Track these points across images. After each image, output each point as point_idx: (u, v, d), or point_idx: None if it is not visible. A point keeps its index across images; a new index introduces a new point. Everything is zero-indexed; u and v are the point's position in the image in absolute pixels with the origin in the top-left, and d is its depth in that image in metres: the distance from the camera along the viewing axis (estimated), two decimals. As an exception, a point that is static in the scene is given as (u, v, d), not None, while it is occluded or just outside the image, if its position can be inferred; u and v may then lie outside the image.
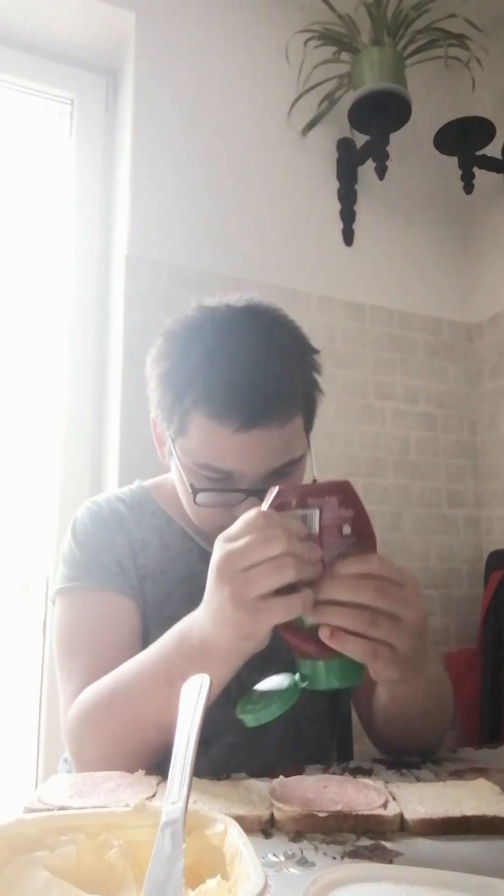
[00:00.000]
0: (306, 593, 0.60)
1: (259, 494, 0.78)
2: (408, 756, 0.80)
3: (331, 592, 0.60)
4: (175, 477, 0.88)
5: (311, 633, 0.61)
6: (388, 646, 0.61)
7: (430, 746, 0.83)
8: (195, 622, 0.69)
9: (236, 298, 0.86)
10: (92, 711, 0.74)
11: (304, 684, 0.63)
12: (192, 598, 0.87)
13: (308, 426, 0.88)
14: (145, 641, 0.86)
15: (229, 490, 0.80)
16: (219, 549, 0.63)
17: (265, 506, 0.64)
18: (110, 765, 0.70)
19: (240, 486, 0.80)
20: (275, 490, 0.64)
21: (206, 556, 0.89)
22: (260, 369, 0.79)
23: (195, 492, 0.81)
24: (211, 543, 0.89)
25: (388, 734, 0.84)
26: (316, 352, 0.90)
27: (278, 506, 0.63)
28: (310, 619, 0.61)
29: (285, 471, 0.82)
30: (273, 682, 0.65)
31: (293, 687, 0.62)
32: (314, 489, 0.64)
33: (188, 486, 0.82)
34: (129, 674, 0.73)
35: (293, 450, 0.83)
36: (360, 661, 0.61)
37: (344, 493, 0.64)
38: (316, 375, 0.89)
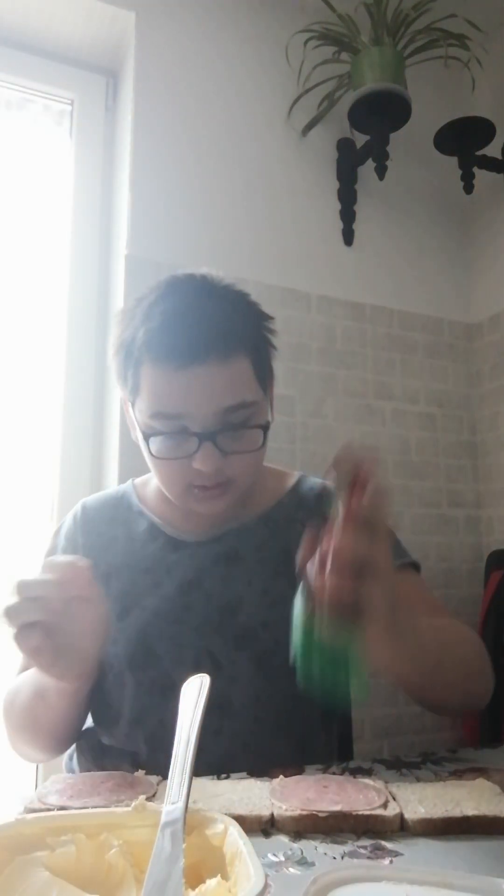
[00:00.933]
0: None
1: (212, 437, 0.80)
2: (460, 713, 0.80)
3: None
4: (143, 450, 0.89)
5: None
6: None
7: (477, 698, 0.84)
8: None
9: (184, 271, 0.90)
10: (4, 705, 0.90)
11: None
12: (154, 588, 0.90)
13: (261, 375, 0.88)
14: (108, 636, 0.88)
15: (181, 432, 0.81)
16: None
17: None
18: (21, 744, 0.89)
19: (192, 430, 0.81)
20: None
21: (171, 544, 0.92)
22: (196, 310, 0.83)
23: (147, 437, 0.83)
24: (181, 521, 0.93)
25: (419, 699, 0.84)
26: (268, 316, 0.92)
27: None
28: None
29: (238, 416, 0.83)
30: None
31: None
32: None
33: (143, 437, 0.84)
34: (22, 681, 0.86)
35: (242, 392, 0.83)
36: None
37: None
38: (266, 332, 0.91)
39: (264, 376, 0.90)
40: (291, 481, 1.02)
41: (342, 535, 0.60)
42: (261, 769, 0.70)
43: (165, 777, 0.50)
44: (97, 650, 0.74)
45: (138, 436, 0.88)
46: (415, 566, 0.98)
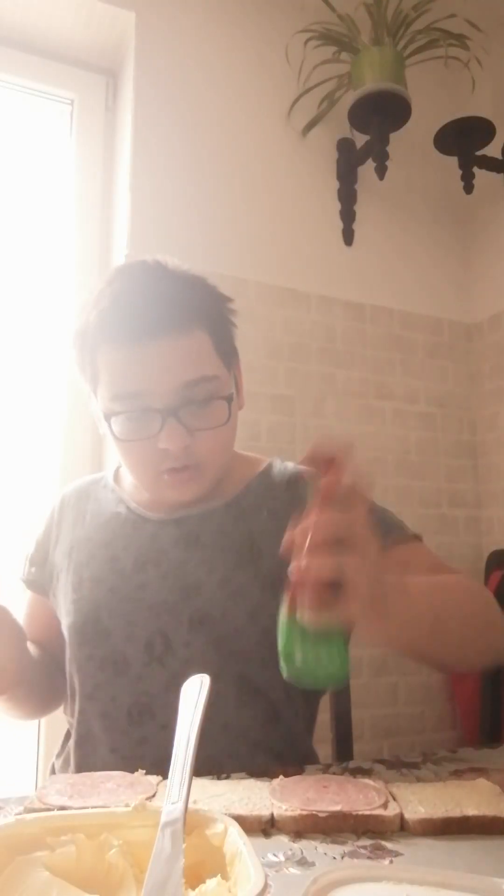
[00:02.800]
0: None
1: (174, 414, 0.79)
2: (482, 667, 0.79)
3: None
4: (109, 440, 0.89)
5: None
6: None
7: (494, 653, 0.81)
8: None
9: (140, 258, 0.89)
10: None
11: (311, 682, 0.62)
12: (113, 560, 0.90)
13: (221, 351, 0.86)
14: (66, 605, 0.91)
15: (143, 410, 0.80)
16: None
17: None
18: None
19: (154, 407, 0.79)
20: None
21: (133, 520, 0.92)
22: (149, 287, 0.81)
23: (107, 418, 0.82)
24: (155, 496, 0.91)
25: (423, 660, 0.83)
26: (229, 299, 0.90)
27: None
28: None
29: (200, 391, 0.81)
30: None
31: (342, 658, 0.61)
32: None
33: (105, 419, 0.83)
34: None
35: (202, 366, 0.82)
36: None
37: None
38: (226, 312, 0.89)
39: (227, 352, 0.88)
40: (261, 467, 0.99)
41: (316, 512, 0.60)
42: (228, 745, 0.71)
43: (165, 777, 0.50)
44: (10, 664, 0.77)
45: (101, 421, 0.87)
46: (417, 538, 0.96)
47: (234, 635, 0.84)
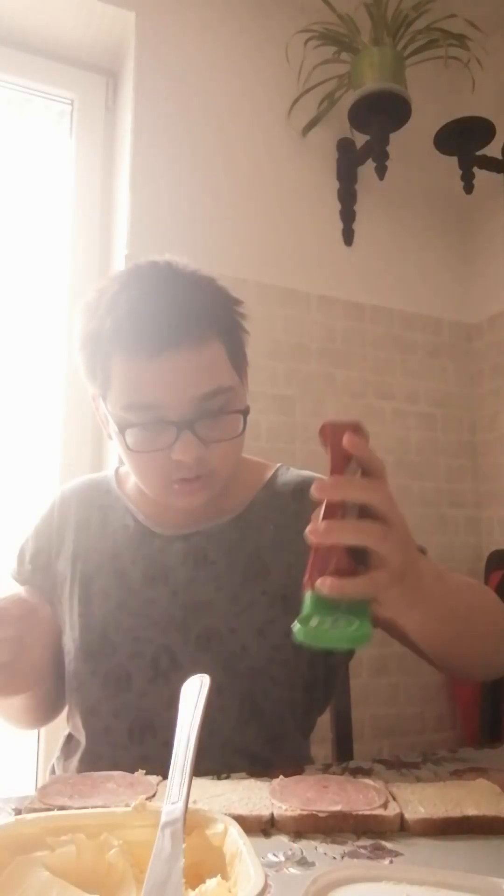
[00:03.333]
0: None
1: (190, 427, 0.78)
2: (487, 677, 0.80)
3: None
4: (118, 446, 0.87)
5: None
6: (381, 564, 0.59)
7: (501, 662, 0.82)
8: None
9: (148, 258, 0.87)
10: None
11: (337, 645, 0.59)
12: (121, 574, 0.88)
13: (234, 361, 0.85)
14: (71, 617, 0.89)
15: (158, 422, 0.78)
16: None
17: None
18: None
19: (170, 420, 0.78)
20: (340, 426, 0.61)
21: (142, 534, 0.90)
22: (164, 295, 0.79)
23: (122, 429, 0.80)
24: (157, 513, 0.91)
25: (442, 662, 0.82)
26: (239, 301, 0.88)
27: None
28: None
29: (215, 402, 0.80)
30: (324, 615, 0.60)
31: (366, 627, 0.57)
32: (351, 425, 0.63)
33: (118, 430, 0.81)
34: None
35: (218, 377, 0.80)
36: (374, 589, 0.58)
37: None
38: (238, 317, 0.87)
39: (238, 361, 0.87)
40: (267, 475, 0.97)
41: (329, 478, 0.58)
42: (226, 760, 0.71)
43: (165, 777, 0.50)
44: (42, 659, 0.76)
45: (112, 430, 0.85)
46: (421, 551, 0.96)
47: (241, 653, 0.83)
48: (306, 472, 1.00)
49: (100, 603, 0.87)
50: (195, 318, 0.79)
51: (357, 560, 0.59)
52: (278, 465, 1.01)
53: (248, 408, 0.84)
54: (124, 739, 0.83)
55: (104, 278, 0.87)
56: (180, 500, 0.84)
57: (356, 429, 0.61)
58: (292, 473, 0.99)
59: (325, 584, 0.56)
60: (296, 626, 0.58)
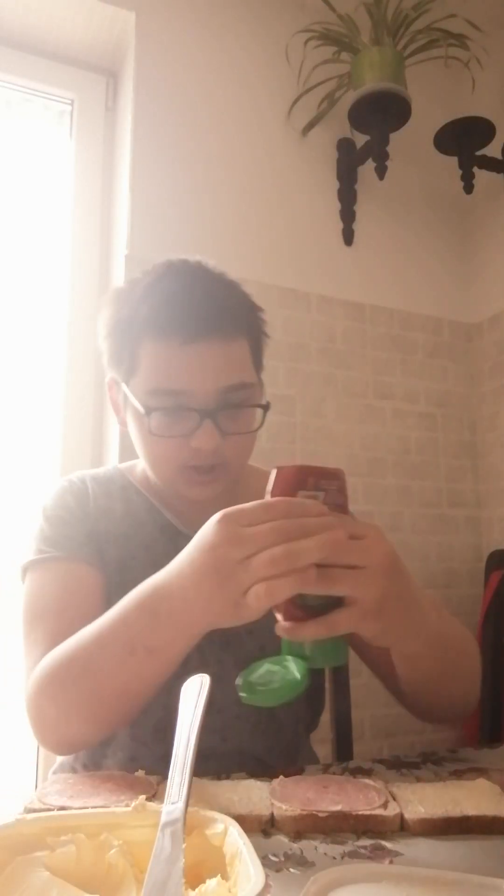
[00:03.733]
0: (308, 571, 0.56)
1: (212, 416, 0.80)
2: (442, 717, 0.80)
3: (295, 555, 0.57)
4: (133, 430, 0.87)
5: (307, 610, 0.59)
6: (352, 601, 0.59)
7: (464, 703, 0.83)
8: (163, 593, 0.66)
9: (177, 256, 0.90)
10: (50, 677, 0.73)
11: (307, 664, 0.60)
12: (155, 565, 0.86)
13: (256, 359, 0.89)
14: (108, 608, 0.86)
15: (183, 408, 0.80)
16: (224, 529, 0.60)
17: (281, 479, 0.61)
18: (69, 729, 0.72)
19: (193, 407, 0.80)
20: (290, 469, 0.62)
21: (168, 528, 0.91)
22: (201, 287, 0.83)
23: (148, 412, 0.81)
24: (174, 511, 0.90)
25: (414, 697, 0.82)
26: (260, 309, 0.92)
27: (298, 483, 0.61)
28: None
29: (237, 396, 0.83)
30: (270, 661, 0.63)
31: (302, 667, 0.60)
32: (323, 471, 0.63)
33: (142, 412, 0.81)
34: (87, 640, 0.72)
35: (243, 373, 0.84)
36: (331, 632, 0.59)
37: (341, 480, 0.64)
38: (260, 322, 0.91)
39: (259, 362, 0.90)
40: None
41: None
42: (239, 765, 0.71)
43: (165, 777, 0.50)
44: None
45: (130, 415, 0.86)
46: None
47: (259, 654, 0.82)
48: None
49: None
50: (227, 314, 0.83)
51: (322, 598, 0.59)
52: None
53: (268, 403, 0.88)
54: (147, 736, 0.83)
55: (137, 271, 0.89)
56: (191, 490, 0.85)
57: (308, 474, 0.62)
58: None
59: (285, 630, 0.59)
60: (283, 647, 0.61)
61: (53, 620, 0.82)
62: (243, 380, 0.83)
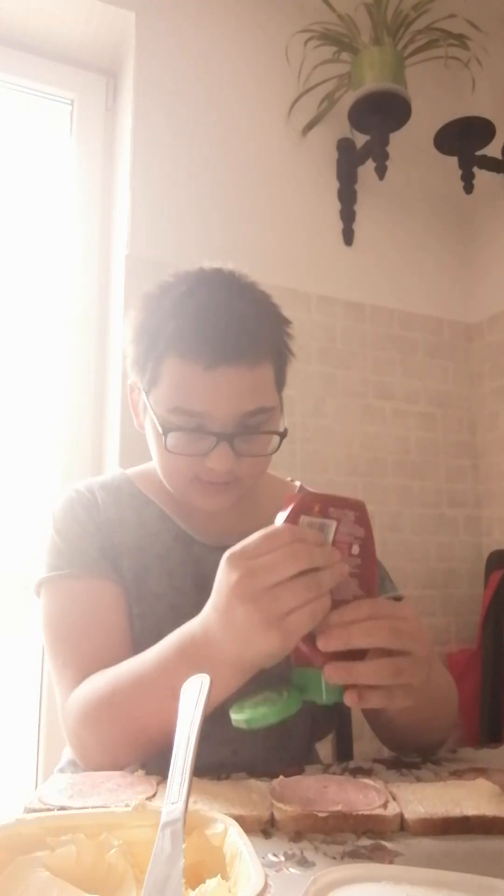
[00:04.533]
0: (326, 598, 0.60)
1: (230, 439, 0.80)
2: (415, 753, 0.80)
3: (347, 640, 0.60)
4: (150, 438, 0.88)
5: (315, 643, 0.60)
6: (406, 685, 0.62)
7: (441, 742, 0.84)
8: (200, 642, 0.66)
9: (210, 263, 0.88)
10: (92, 711, 0.74)
11: (304, 697, 0.62)
12: (170, 575, 0.88)
13: (279, 381, 0.88)
14: (129, 621, 0.87)
15: (200, 431, 0.80)
16: (236, 565, 0.61)
17: (288, 507, 0.63)
18: (114, 760, 0.71)
19: (211, 430, 0.80)
20: (297, 494, 0.63)
21: (182, 537, 0.90)
22: (228, 310, 0.81)
23: (166, 432, 0.81)
24: (187, 519, 0.90)
25: (399, 738, 0.84)
26: (288, 321, 0.90)
27: (301, 508, 0.62)
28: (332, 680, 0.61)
29: (256, 420, 0.83)
30: (271, 686, 0.65)
31: (294, 697, 0.61)
32: (336, 500, 0.63)
33: (159, 430, 0.82)
34: (127, 683, 0.72)
35: (264, 398, 0.83)
36: (382, 706, 0.62)
37: (360, 511, 0.63)
38: (286, 337, 0.90)
39: (281, 382, 0.89)
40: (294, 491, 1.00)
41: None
42: (246, 766, 0.71)
43: (165, 777, 0.50)
44: None
45: (147, 424, 0.87)
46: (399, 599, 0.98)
47: (275, 667, 0.83)
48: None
49: (153, 603, 0.87)
50: (254, 338, 0.81)
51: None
52: (297, 483, 1.02)
53: (286, 430, 0.86)
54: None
55: (169, 275, 0.87)
56: (202, 500, 0.85)
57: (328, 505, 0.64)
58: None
59: (337, 671, 0.60)
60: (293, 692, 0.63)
61: (80, 641, 0.83)
62: (263, 404, 0.83)
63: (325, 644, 0.60)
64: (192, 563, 0.89)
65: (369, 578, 0.64)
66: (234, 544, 0.87)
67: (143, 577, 0.88)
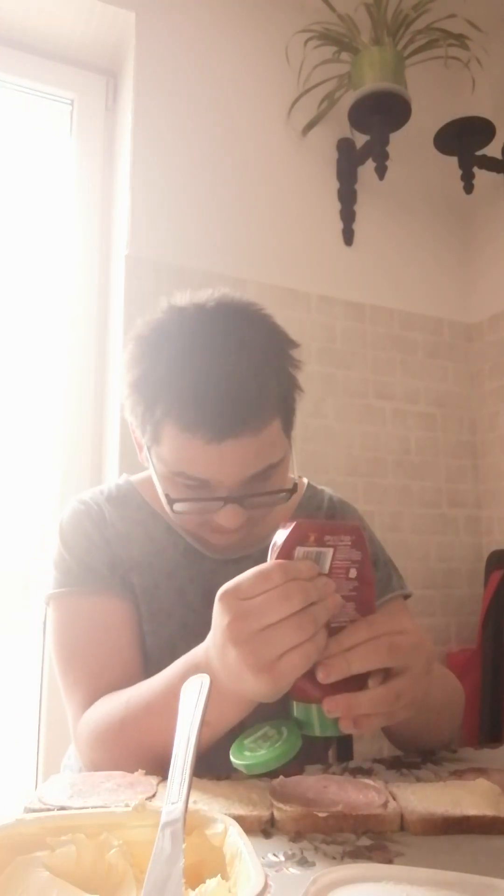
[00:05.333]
0: (320, 636, 0.59)
1: (239, 501, 0.77)
2: (419, 752, 0.80)
3: (346, 669, 0.59)
4: (154, 480, 0.86)
5: (313, 676, 0.60)
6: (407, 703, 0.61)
7: (444, 742, 0.83)
8: (205, 668, 0.65)
9: (207, 297, 0.82)
10: (103, 734, 0.74)
11: (304, 731, 0.62)
12: (180, 592, 0.87)
13: (287, 427, 0.84)
14: (140, 638, 0.86)
15: (207, 499, 0.78)
16: (228, 606, 0.60)
17: (281, 537, 0.62)
18: (135, 760, 0.71)
19: (218, 495, 0.78)
20: (292, 524, 0.62)
21: (191, 551, 0.89)
22: (230, 378, 0.75)
23: (171, 502, 0.79)
24: (196, 539, 0.89)
25: (399, 740, 0.84)
26: (294, 346, 0.85)
27: (296, 540, 0.61)
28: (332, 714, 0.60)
29: (265, 475, 0.80)
30: (270, 720, 0.64)
31: (294, 735, 0.61)
32: (331, 527, 0.62)
33: (162, 496, 0.81)
34: (137, 708, 0.72)
35: (271, 455, 0.80)
36: (383, 726, 0.62)
37: (356, 535, 0.63)
38: (294, 372, 0.85)
39: (290, 427, 0.85)
40: (300, 494, 0.98)
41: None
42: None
43: (165, 777, 0.50)
44: None
45: (149, 467, 0.85)
46: (407, 596, 0.98)
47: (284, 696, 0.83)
48: (328, 491, 1.03)
49: (163, 621, 0.86)
50: (259, 406, 0.76)
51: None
52: (305, 481, 1.01)
53: (295, 485, 0.83)
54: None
55: (162, 311, 0.82)
56: (216, 540, 0.84)
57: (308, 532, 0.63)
58: (322, 493, 1.01)
59: (336, 705, 0.59)
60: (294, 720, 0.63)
61: (89, 660, 0.82)
62: (271, 461, 0.79)
63: (326, 676, 0.59)
64: (201, 578, 0.88)
65: (367, 600, 0.63)
66: (243, 555, 0.86)
67: (152, 594, 0.87)
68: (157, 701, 0.70)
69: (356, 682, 0.60)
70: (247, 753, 0.61)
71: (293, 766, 0.70)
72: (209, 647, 0.65)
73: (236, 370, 0.76)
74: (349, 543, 0.62)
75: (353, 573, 0.62)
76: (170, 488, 0.81)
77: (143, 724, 0.71)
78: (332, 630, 0.61)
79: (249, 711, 0.66)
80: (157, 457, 0.81)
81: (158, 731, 0.68)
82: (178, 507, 0.80)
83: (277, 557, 0.61)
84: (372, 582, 0.64)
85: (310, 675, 0.60)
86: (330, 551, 0.61)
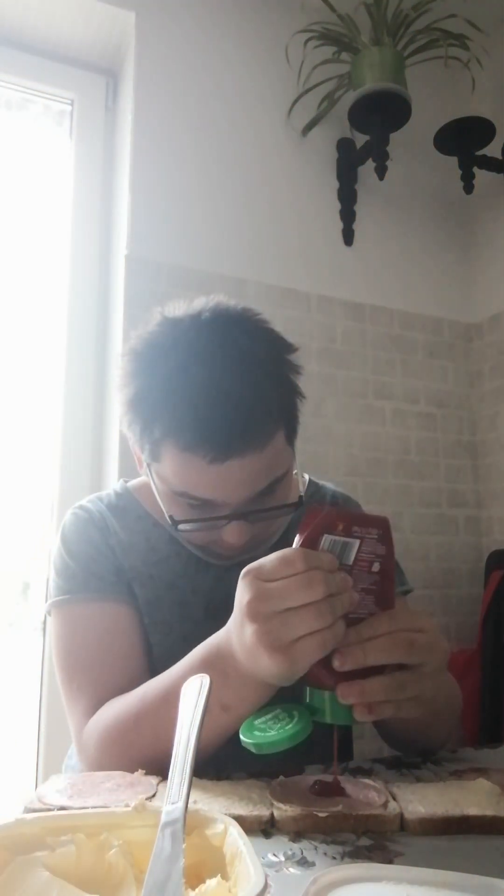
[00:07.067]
0: (338, 626, 0.59)
1: (244, 517, 0.76)
2: (415, 754, 0.80)
3: (363, 659, 0.59)
4: (156, 495, 0.84)
5: (329, 663, 0.60)
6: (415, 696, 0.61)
7: (441, 745, 0.83)
8: (225, 653, 0.65)
9: (202, 306, 0.80)
10: (116, 736, 0.72)
11: (315, 717, 0.61)
12: (182, 604, 0.86)
13: (291, 436, 0.83)
14: (145, 646, 0.85)
15: (211, 518, 0.77)
16: (250, 585, 0.60)
17: (310, 522, 0.61)
18: (146, 760, 0.70)
19: (222, 513, 0.77)
20: (321, 510, 0.61)
21: (193, 560, 0.88)
22: (230, 395, 0.73)
23: (175, 524, 0.78)
24: (200, 550, 0.87)
25: (397, 741, 0.84)
26: (293, 350, 0.84)
27: (324, 527, 0.61)
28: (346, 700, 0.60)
29: (270, 490, 0.79)
30: (283, 703, 0.64)
31: (305, 719, 0.60)
32: (360, 518, 0.62)
33: (167, 518, 0.80)
34: (153, 700, 0.71)
35: (276, 469, 0.79)
36: (391, 716, 0.61)
37: (384, 528, 0.62)
38: (294, 378, 0.83)
39: (294, 435, 0.84)
40: (301, 489, 0.96)
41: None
42: (267, 768, 0.70)
43: (165, 777, 0.50)
44: None
45: (150, 481, 0.83)
46: (409, 592, 0.97)
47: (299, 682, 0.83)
48: (330, 486, 1.02)
49: (164, 634, 0.85)
50: (261, 419, 0.75)
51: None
52: (306, 477, 1.00)
53: (300, 499, 0.83)
54: None
55: (156, 324, 0.80)
56: (222, 552, 0.83)
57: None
58: (322, 489, 1.01)
59: (350, 691, 0.59)
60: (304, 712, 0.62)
61: (95, 667, 0.81)
62: (276, 476, 0.78)
63: (342, 664, 0.59)
64: (204, 590, 0.87)
65: (387, 595, 0.63)
66: (247, 562, 0.86)
67: (155, 605, 0.86)
68: (175, 689, 0.68)
69: (370, 672, 0.60)
70: (257, 733, 0.60)
71: (293, 767, 0.70)
72: (230, 627, 0.65)
73: (235, 386, 0.74)
74: (375, 537, 0.62)
75: (375, 567, 0.62)
76: (173, 508, 0.80)
77: (160, 715, 0.69)
78: (350, 621, 0.61)
79: (269, 697, 0.66)
80: (158, 475, 0.80)
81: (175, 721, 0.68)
82: (182, 527, 0.79)
83: (303, 542, 0.61)
84: (393, 577, 0.64)
85: (326, 662, 0.60)
86: (356, 543, 0.61)
